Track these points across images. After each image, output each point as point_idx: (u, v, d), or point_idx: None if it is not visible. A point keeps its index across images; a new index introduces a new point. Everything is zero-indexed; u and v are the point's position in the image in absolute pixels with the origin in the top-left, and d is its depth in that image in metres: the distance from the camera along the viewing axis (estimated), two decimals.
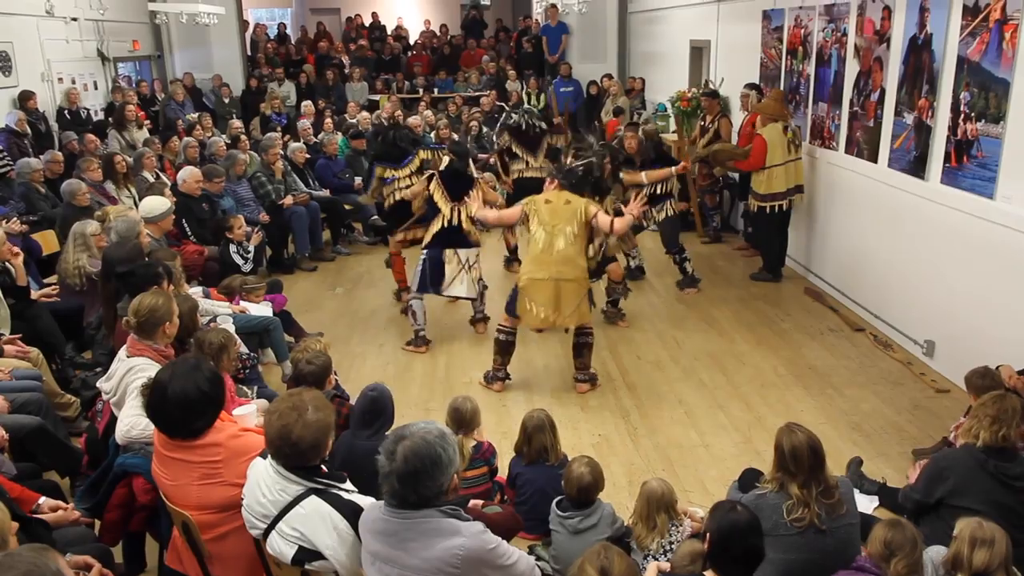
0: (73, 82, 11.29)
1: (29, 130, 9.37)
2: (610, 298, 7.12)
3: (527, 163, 7.96)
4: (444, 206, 6.48)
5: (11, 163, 8.15)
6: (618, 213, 6.10)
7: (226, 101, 13.52)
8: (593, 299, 5.91)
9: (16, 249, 5.79)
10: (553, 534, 3.65)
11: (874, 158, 6.72)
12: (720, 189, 9.55)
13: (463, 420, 4.13)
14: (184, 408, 2.94)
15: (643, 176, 7.04)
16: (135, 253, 5.15)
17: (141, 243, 5.58)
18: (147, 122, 11.20)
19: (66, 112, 10.52)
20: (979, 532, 2.83)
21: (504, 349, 5.92)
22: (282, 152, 9.31)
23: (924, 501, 3.66)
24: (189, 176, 7.69)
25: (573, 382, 5.91)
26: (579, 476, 3.57)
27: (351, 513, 2.74)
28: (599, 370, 6.17)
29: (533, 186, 7.09)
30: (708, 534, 2.94)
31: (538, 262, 5.56)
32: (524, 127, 7.82)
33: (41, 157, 8.23)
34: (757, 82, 8.91)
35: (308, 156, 9.69)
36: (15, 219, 6.77)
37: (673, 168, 7.18)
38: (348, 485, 2.89)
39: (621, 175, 6.89)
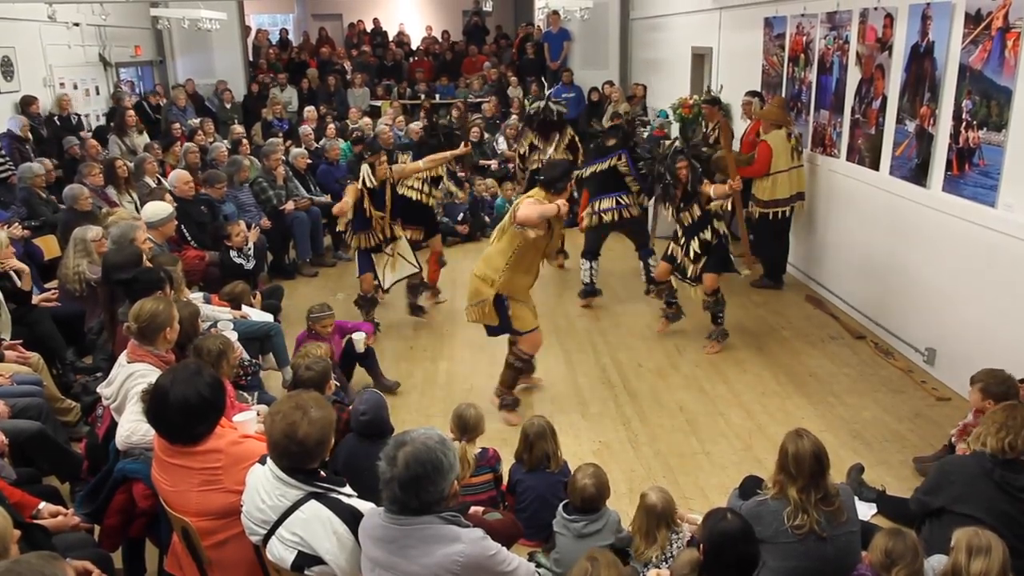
0: (75, 87, 11.30)
1: (30, 135, 9.38)
2: (706, 309, 6.72)
3: (545, 152, 7.95)
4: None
5: (12, 168, 8.16)
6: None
7: (228, 106, 13.53)
8: (507, 311, 5.48)
9: (16, 263, 5.76)
10: (557, 536, 3.64)
11: (876, 166, 6.72)
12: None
13: (467, 426, 4.12)
14: (185, 413, 2.93)
15: (711, 190, 6.56)
16: (133, 258, 5.15)
17: (138, 247, 5.58)
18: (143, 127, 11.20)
19: (56, 118, 10.49)
20: (975, 541, 2.83)
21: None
22: (284, 158, 9.32)
23: (925, 499, 3.66)
24: (178, 179, 7.70)
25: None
26: (583, 488, 3.57)
27: (351, 518, 2.74)
28: (601, 377, 6.17)
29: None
30: (701, 544, 2.95)
31: None
32: (536, 112, 7.77)
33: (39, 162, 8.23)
34: (759, 89, 8.92)
35: (310, 162, 9.70)
36: (16, 224, 6.77)
37: (726, 186, 6.72)
38: (347, 489, 2.89)
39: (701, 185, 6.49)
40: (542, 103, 7.98)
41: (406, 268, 7.07)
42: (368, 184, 6.62)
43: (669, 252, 6.78)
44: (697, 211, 6.45)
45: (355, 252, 7.07)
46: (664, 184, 6.51)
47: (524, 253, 5.38)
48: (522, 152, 8.52)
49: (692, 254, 6.50)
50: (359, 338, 5.79)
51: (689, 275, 6.58)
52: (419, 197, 7.35)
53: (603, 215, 7.34)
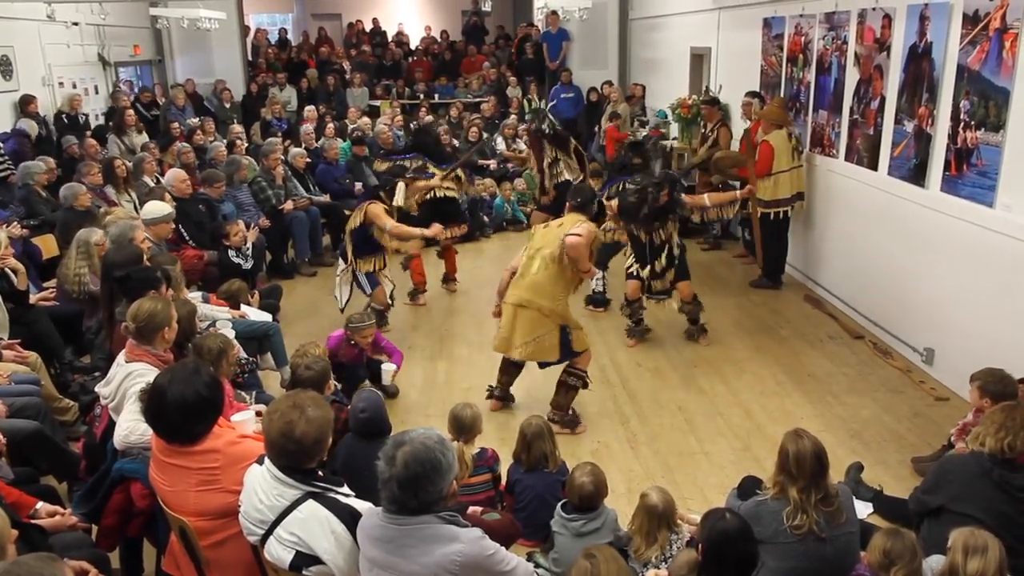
0: (74, 86, 11.29)
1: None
2: (682, 312, 6.84)
3: (568, 166, 7.98)
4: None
5: (12, 168, 8.15)
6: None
7: (227, 106, 13.52)
8: (570, 340, 5.30)
9: (14, 263, 5.76)
10: (556, 536, 3.65)
11: (874, 166, 6.72)
12: None
13: (463, 427, 4.13)
14: (183, 413, 2.93)
15: (706, 198, 6.75)
16: (133, 257, 5.15)
17: (138, 246, 5.57)
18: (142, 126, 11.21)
19: (64, 116, 10.51)
20: (972, 540, 2.83)
21: (504, 368, 5.69)
22: (283, 157, 9.31)
23: (925, 498, 3.67)
24: (174, 179, 7.68)
25: None
26: (580, 485, 3.57)
27: (349, 517, 2.74)
28: (598, 377, 6.15)
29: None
30: (700, 544, 2.95)
31: (514, 285, 5.36)
32: (550, 130, 7.79)
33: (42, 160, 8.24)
34: (757, 89, 8.92)
35: (309, 161, 9.70)
36: (15, 223, 6.76)
37: (737, 192, 6.95)
38: (345, 489, 2.89)
39: (684, 198, 6.57)
40: (545, 118, 7.96)
41: (388, 283, 7.04)
42: (399, 203, 6.58)
43: (635, 272, 6.66)
44: (669, 230, 6.49)
45: (354, 276, 6.72)
46: (643, 206, 6.36)
47: (572, 280, 5.38)
48: (546, 165, 8.56)
49: (658, 269, 6.53)
50: (389, 370, 5.58)
51: (658, 290, 6.62)
52: (453, 194, 7.51)
53: (609, 233, 7.22)
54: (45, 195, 7.80)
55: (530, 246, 5.43)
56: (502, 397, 5.75)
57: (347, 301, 6.75)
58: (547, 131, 7.84)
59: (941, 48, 5.72)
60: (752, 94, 8.80)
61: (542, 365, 5.50)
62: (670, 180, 6.47)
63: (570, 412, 5.49)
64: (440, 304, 7.92)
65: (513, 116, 12.64)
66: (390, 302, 7.11)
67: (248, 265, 7.18)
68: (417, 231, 6.56)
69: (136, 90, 13.44)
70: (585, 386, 5.52)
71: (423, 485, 2.54)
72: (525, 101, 13.58)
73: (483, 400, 5.68)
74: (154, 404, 2.97)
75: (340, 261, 6.77)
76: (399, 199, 6.59)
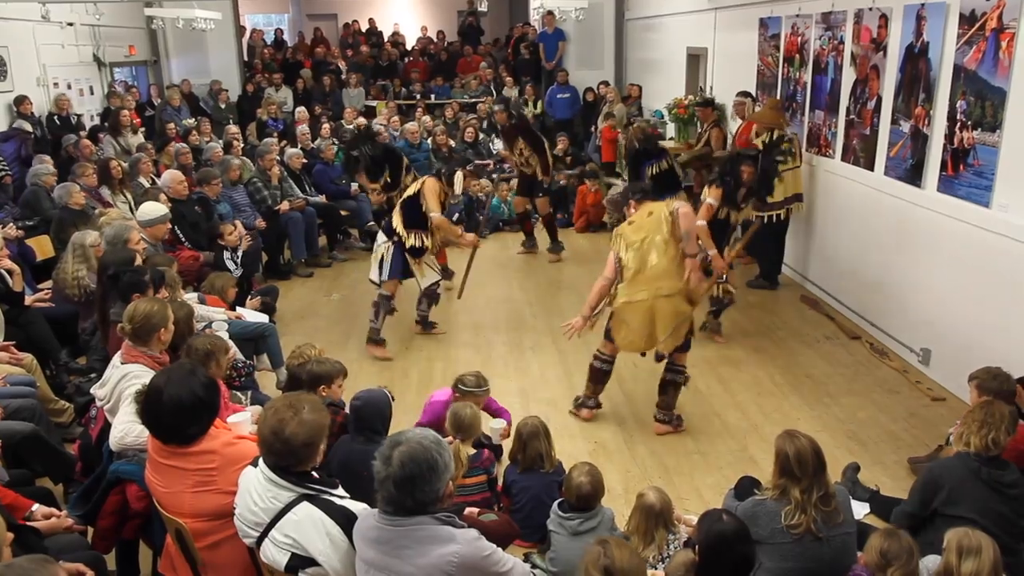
0: (69, 87, 11.26)
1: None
2: (714, 307, 6.81)
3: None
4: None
5: (6, 169, 8.13)
6: None
7: (223, 106, 13.51)
8: (693, 329, 5.30)
9: (9, 264, 5.74)
10: (552, 535, 3.64)
11: (870, 166, 6.73)
12: None
13: (462, 425, 4.12)
14: (179, 414, 2.93)
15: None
16: (126, 259, 5.15)
17: (130, 248, 5.56)
18: (142, 128, 11.17)
19: (56, 118, 10.48)
20: (966, 541, 2.84)
21: (596, 377, 5.53)
22: (279, 158, 9.30)
23: (918, 513, 3.66)
24: (171, 180, 7.62)
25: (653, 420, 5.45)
26: (578, 485, 3.57)
27: (344, 519, 2.73)
28: None
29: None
30: (697, 545, 2.94)
31: (633, 284, 5.08)
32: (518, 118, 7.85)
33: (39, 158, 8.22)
34: (754, 90, 8.91)
35: (305, 161, 9.69)
36: (10, 224, 6.74)
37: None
38: (340, 491, 2.88)
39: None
40: (517, 107, 8.08)
41: (432, 276, 6.89)
42: (458, 192, 6.80)
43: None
44: (749, 211, 6.63)
45: (392, 254, 6.54)
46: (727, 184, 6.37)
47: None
48: (547, 147, 8.93)
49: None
50: (497, 428, 4.58)
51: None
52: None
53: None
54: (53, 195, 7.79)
55: (628, 245, 5.15)
56: (595, 406, 5.62)
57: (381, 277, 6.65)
58: (526, 117, 7.93)
59: (938, 48, 5.72)
60: (744, 94, 8.79)
61: (659, 358, 5.36)
62: (752, 157, 6.52)
63: (676, 413, 5.45)
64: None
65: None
66: (438, 292, 7.04)
67: (237, 272, 7.09)
68: (458, 232, 6.81)
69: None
70: (686, 382, 5.47)
71: (419, 485, 2.54)
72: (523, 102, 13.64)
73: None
74: (150, 405, 2.97)
75: (380, 235, 6.69)
76: (458, 188, 6.72)
